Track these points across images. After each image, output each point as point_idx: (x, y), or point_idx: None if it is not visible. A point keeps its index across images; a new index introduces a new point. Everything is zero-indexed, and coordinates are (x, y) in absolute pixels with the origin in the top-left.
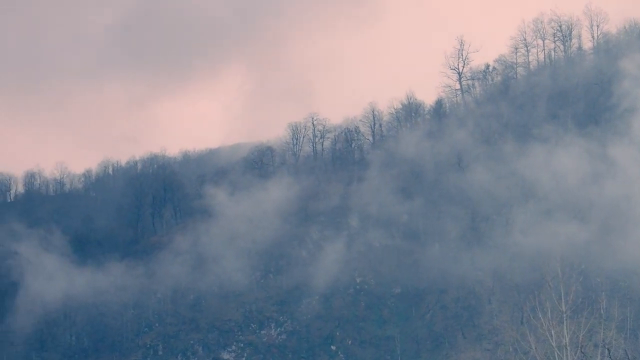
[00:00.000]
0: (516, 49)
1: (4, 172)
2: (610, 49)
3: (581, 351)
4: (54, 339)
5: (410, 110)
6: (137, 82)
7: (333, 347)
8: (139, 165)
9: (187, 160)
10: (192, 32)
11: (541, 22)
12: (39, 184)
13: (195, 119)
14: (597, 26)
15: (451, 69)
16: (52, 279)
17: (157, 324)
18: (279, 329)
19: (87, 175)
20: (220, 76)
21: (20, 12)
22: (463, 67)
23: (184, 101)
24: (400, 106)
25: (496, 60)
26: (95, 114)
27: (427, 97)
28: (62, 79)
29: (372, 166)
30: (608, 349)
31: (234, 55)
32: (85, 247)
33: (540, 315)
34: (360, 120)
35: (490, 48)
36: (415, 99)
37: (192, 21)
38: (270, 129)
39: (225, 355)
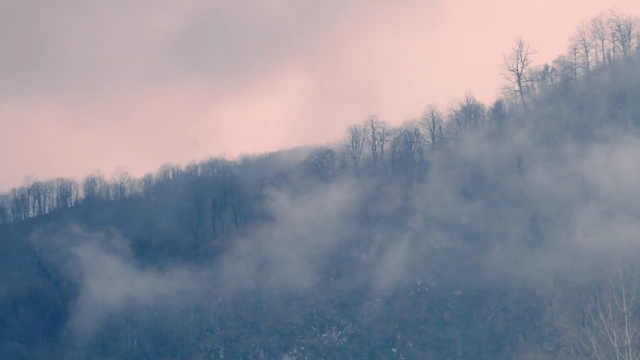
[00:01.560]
0: (575, 49)
1: (65, 177)
2: None
3: None
4: (116, 343)
5: (469, 112)
6: (198, 86)
7: (394, 350)
8: (199, 170)
9: (247, 164)
10: (253, 35)
11: (600, 22)
12: (100, 189)
13: (255, 122)
14: None
15: (510, 70)
16: (113, 283)
17: (218, 328)
18: (340, 332)
19: (147, 180)
20: (281, 79)
21: (83, 18)
22: (522, 68)
23: (245, 105)
24: (459, 108)
25: (555, 61)
26: (156, 119)
27: (487, 99)
28: (124, 84)
29: (432, 168)
30: None
31: (295, 58)
32: (146, 252)
33: (601, 317)
34: (420, 123)
35: (549, 49)
36: (475, 101)
37: (253, 24)
38: (330, 132)
39: (286, 359)
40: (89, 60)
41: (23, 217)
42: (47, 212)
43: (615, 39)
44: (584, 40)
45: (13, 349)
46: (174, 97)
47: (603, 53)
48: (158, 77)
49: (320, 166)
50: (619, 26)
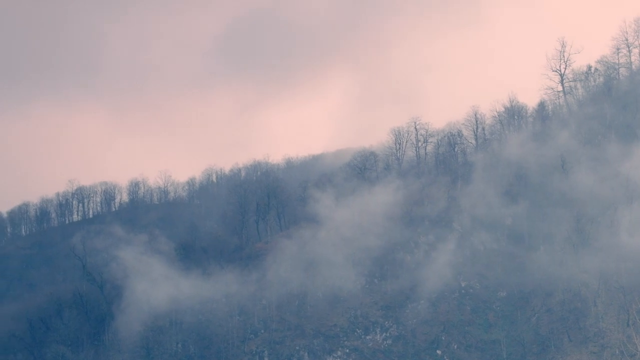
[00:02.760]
0: (618, 49)
1: (108, 181)
2: None
3: None
4: (160, 346)
5: (513, 113)
6: (243, 89)
7: (439, 352)
8: (243, 173)
9: (291, 166)
10: (298, 37)
11: None
12: (144, 193)
13: (299, 124)
14: None
15: (553, 71)
16: (157, 286)
17: (262, 331)
18: (384, 334)
19: (191, 183)
20: (326, 81)
21: (128, 22)
22: (565, 68)
23: (289, 107)
24: (502, 109)
25: (598, 61)
26: (200, 122)
27: (530, 100)
28: (169, 88)
29: (475, 170)
30: None
31: (339, 60)
32: (190, 255)
33: None
34: (463, 124)
35: (591, 49)
36: (518, 102)
37: (299, 27)
38: (374, 133)
39: None
40: (133, 64)
41: (67, 221)
42: (91, 215)
43: None
44: (626, 40)
45: (58, 352)
46: (218, 100)
47: None
48: (203, 80)
49: (363, 168)
50: None
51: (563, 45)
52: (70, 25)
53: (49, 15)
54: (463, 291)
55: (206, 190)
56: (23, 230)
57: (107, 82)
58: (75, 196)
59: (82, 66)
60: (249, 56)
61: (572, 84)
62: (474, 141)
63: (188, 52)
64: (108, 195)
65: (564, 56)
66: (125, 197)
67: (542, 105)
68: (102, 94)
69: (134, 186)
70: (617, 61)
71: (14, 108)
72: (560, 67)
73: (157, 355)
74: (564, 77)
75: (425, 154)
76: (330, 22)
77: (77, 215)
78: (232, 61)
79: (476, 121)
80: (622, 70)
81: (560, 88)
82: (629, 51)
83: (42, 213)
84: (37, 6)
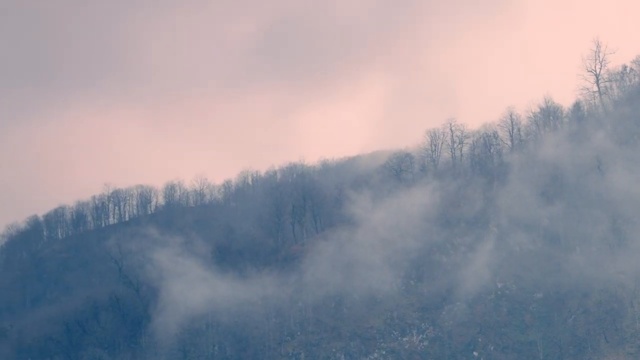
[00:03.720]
0: None
1: (144, 184)
2: None
3: None
4: (197, 349)
5: (548, 114)
6: (279, 91)
7: (475, 353)
8: (279, 175)
9: (326, 168)
10: (333, 38)
11: None
12: (179, 196)
13: (334, 126)
14: None
15: (588, 71)
16: (194, 288)
17: (299, 333)
18: (420, 335)
19: (226, 186)
20: (361, 82)
21: (163, 25)
22: (600, 69)
23: (325, 109)
24: (538, 110)
25: (633, 61)
26: (236, 125)
27: (565, 100)
28: (204, 90)
29: (511, 171)
30: None
31: (375, 61)
32: (227, 257)
33: None
34: (499, 125)
35: (627, 49)
36: (553, 102)
37: (333, 28)
38: (409, 135)
39: None
40: (168, 67)
41: (103, 224)
42: (127, 218)
43: None
44: None
45: (95, 355)
46: (254, 102)
47: None
48: (239, 82)
49: (399, 170)
50: None
51: (598, 46)
52: (106, 30)
53: (85, 21)
54: (499, 292)
55: (242, 193)
56: (59, 233)
57: (143, 85)
58: (111, 199)
59: (118, 70)
60: (285, 58)
61: (607, 84)
62: (509, 142)
63: (224, 54)
64: (144, 198)
65: (599, 56)
66: (161, 200)
67: (577, 105)
68: (137, 97)
69: (170, 189)
70: None
71: (51, 112)
72: (595, 67)
73: (193, 357)
74: (599, 77)
75: (461, 155)
76: (365, 23)
77: (113, 218)
78: (268, 63)
79: (512, 122)
80: None
81: (595, 88)
82: None
83: (79, 216)
84: (74, 12)
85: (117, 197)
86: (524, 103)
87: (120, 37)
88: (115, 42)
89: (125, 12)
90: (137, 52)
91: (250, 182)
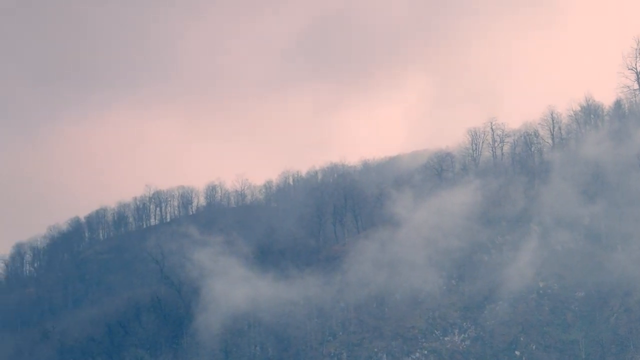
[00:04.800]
0: None
1: (185, 185)
2: None
3: None
4: (238, 349)
5: (589, 112)
6: (319, 91)
7: (517, 353)
8: (320, 175)
9: (367, 168)
10: (374, 38)
11: None
12: (220, 196)
13: (375, 126)
14: None
15: (629, 69)
16: (235, 289)
17: (341, 333)
18: (462, 335)
19: (267, 186)
20: (402, 82)
21: (203, 26)
22: None
23: (365, 108)
24: (579, 108)
25: None
26: (277, 125)
27: (606, 99)
28: (245, 91)
29: (552, 169)
30: None
31: (416, 61)
32: (268, 257)
33: None
34: (539, 124)
35: None
36: (594, 101)
37: (374, 28)
38: (450, 134)
39: None
40: (209, 67)
41: (144, 225)
42: (168, 219)
43: None
44: None
45: (137, 356)
46: (295, 102)
47: None
48: (279, 82)
49: (440, 169)
50: None
51: (639, 43)
52: (146, 31)
53: (125, 22)
54: (541, 291)
55: (283, 193)
56: (101, 234)
57: (184, 86)
58: (153, 200)
59: (159, 71)
60: (325, 57)
61: None
62: (550, 141)
63: (264, 54)
64: (185, 199)
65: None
66: (202, 201)
67: (618, 103)
68: (178, 98)
69: (211, 190)
70: None
71: (93, 114)
72: (636, 65)
73: (235, 357)
74: None
75: (502, 154)
76: (406, 22)
77: (155, 219)
78: (309, 63)
79: (552, 120)
80: None
81: (636, 86)
82: None
83: (120, 217)
84: (114, 14)
85: (158, 198)
86: (565, 101)
87: (161, 39)
88: (155, 43)
89: (166, 14)
90: (178, 53)
91: (291, 183)
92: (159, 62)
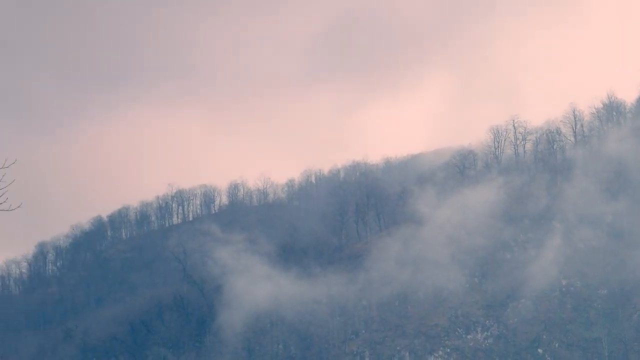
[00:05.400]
0: None
1: (208, 184)
2: None
3: None
4: (261, 347)
5: (611, 109)
6: (341, 89)
7: (540, 351)
8: (342, 173)
9: (389, 166)
10: (396, 37)
11: None
12: (243, 195)
13: (398, 124)
14: None
15: None
16: (258, 287)
17: (363, 331)
18: (485, 333)
19: (290, 185)
20: (423, 81)
21: (226, 26)
22: None
23: (387, 107)
24: (601, 105)
25: None
26: (299, 123)
27: (628, 96)
28: (267, 89)
29: (575, 167)
30: None
31: (438, 60)
32: (291, 256)
33: None
34: (561, 121)
35: None
36: (616, 98)
37: (397, 25)
38: (472, 132)
39: None
40: (232, 67)
41: (167, 224)
42: (190, 218)
43: None
44: None
45: (159, 354)
46: (316, 101)
47: None
48: (301, 80)
49: (462, 167)
50: None
51: None
52: (169, 29)
53: (150, 23)
54: (564, 289)
55: (305, 192)
56: (123, 233)
57: (206, 85)
58: (175, 199)
59: (182, 70)
60: (348, 56)
61: None
62: (572, 138)
63: (286, 53)
64: (207, 198)
65: None
66: (224, 200)
67: None
68: (201, 98)
69: (234, 188)
70: None
71: (115, 113)
72: None
73: (258, 356)
74: None
75: (524, 151)
76: (428, 21)
77: (177, 218)
78: (331, 61)
79: (574, 118)
80: None
81: None
82: None
83: (142, 216)
84: (139, 14)
85: (180, 197)
86: (587, 99)
87: (184, 38)
88: (179, 43)
89: (189, 14)
90: (200, 53)
91: (313, 181)
92: (183, 61)
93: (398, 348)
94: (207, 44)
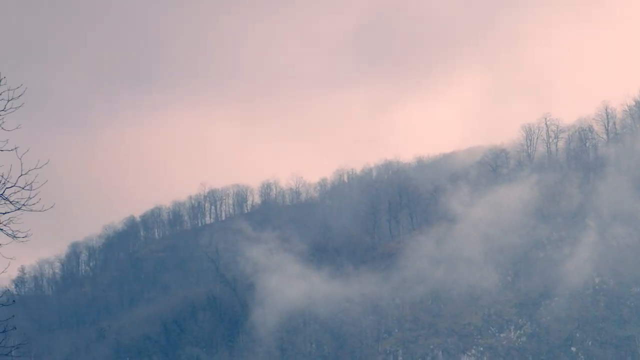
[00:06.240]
0: None
1: (240, 183)
2: None
3: None
4: (294, 346)
5: None
6: (374, 88)
7: (573, 349)
8: (374, 172)
9: (421, 165)
10: (429, 35)
11: None
12: (275, 194)
13: (430, 122)
14: None
15: None
16: (291, 286)
17: (396, 330)
18: (518, 331)
19: (322, 184)
20: (455, 79)
21: (258, 26)
22: None
23: (420, 105)
24: (633, 103)
25: None
26: (331, 123)
27: None
28: (300, 89)
29: (607, 164)
30: None
31: (470, 58)
32: (323, 255)
33: None
34: (594, 119)
35: None
36: None
37: (430, 24)
38: (504, 130)
39: None
40: (263, 66)
41: (200, 224)
42: (223, 218)
43: None
44: None
45: (193, 354)
46: (349, 100)
47: None
48: (333, 80)
49: (495, 166)
50: None
51: None
52: (202, 32)
53: (180, 22)
54: (597, 287)
55: (338, 191)
56: (156, 233)
57: (239, 85)
58: (208, 199)
59: (215, 71)
60: (380, 55)
61: None
62: (605, 136)
63: (319, 52)
64: (240, 197)
65: None
66: (257, 199)
67: None
68: (233, 97)
69: (266, 188)
70: None
71: (147, 113)
72: None
73: (291, 355)
74: None
75: (556, 150)
76: (460, 19)
77: (210, 217)
78: (363, 60)
79: (607, 116)
80: None
81: None
82: None
83: (175, 216)
84: (169, 14)
85: (213, 197)
86: (619, 96)
87: (215, 38)
88: (210, 42)
89: (220, 13)
90: (232, 52)
91: (346, 180)
92: (216, 62)
93: (431, 347)
94: (239, 43)
